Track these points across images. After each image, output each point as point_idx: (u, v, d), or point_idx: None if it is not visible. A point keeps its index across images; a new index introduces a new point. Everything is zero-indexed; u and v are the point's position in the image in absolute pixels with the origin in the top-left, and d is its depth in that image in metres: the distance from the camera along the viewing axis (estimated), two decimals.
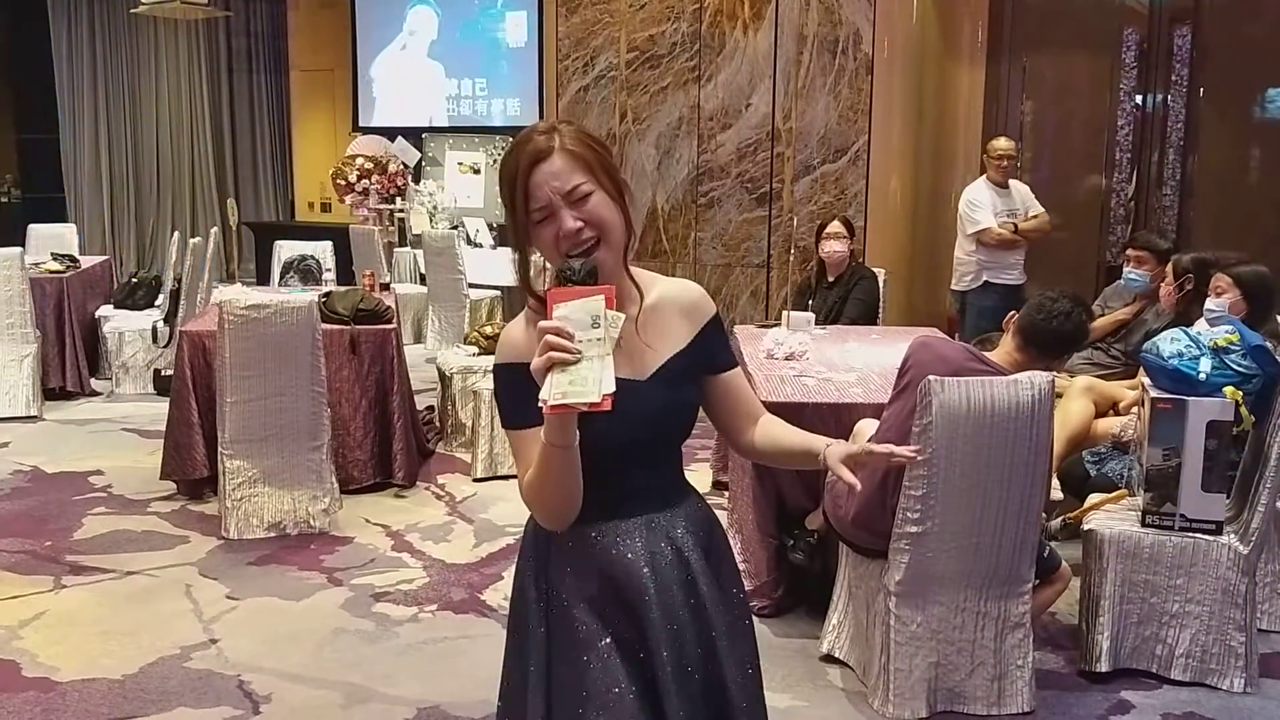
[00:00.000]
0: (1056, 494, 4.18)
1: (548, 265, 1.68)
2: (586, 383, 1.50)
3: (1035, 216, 6.35)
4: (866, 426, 3.54)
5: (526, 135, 1.68)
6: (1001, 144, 6.36)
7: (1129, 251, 5.22)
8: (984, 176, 6.40)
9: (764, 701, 1.82)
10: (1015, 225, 6.24)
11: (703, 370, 1.79)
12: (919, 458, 1.78)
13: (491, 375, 1.76)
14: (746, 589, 3.82)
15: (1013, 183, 6.43)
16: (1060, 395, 4.09)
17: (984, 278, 6.30)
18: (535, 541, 1.78)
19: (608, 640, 1.69)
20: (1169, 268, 4.75)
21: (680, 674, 1.69)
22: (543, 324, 1.51)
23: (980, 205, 6.27)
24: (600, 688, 1.67)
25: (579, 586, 1.72)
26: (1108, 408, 4.50)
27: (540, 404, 1.50)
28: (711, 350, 1.80)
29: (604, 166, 1.68)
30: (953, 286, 6.54)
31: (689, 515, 1.79)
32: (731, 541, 4.10)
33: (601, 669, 1.68)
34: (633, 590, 1.70)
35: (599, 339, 1.52)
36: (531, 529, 1.80)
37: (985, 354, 3.28)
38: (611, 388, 1.50)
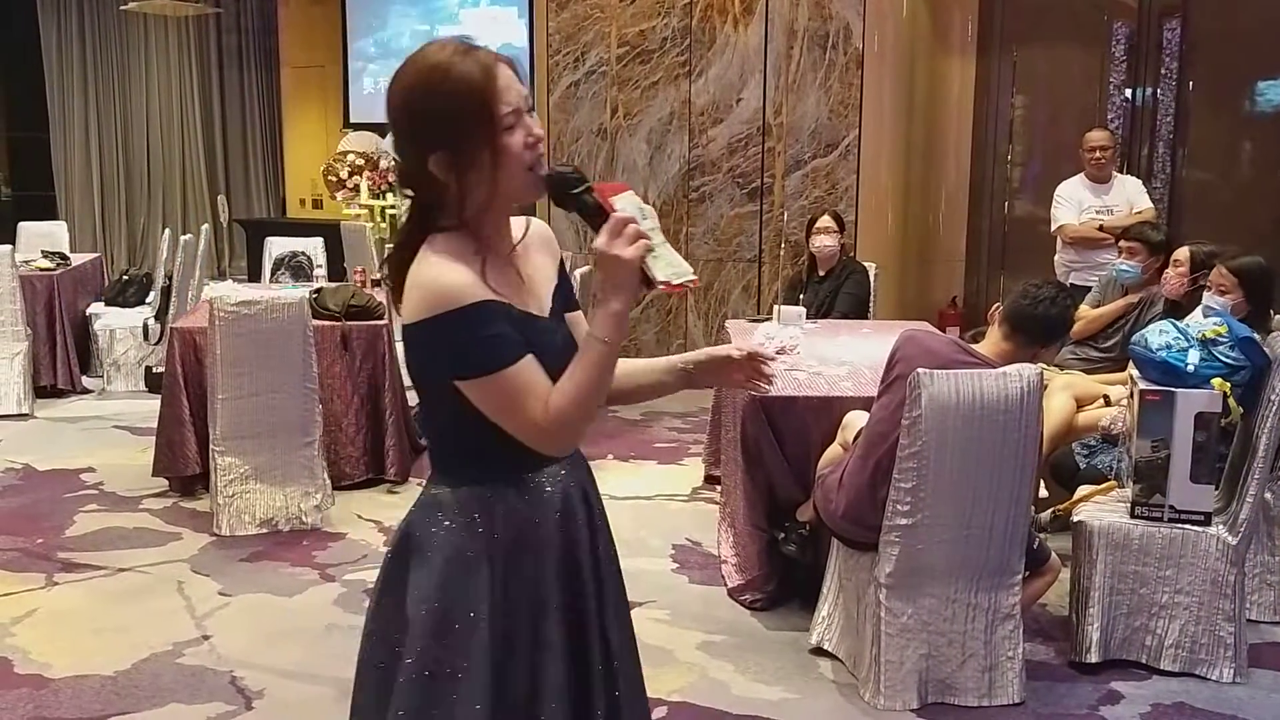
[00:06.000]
0: (1042, 492, 4.18)
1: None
2: (675, 265, 1.57)
3: (1138, 214, 5.70)
4: (855, 418, 3.55)
5: (455, 50, 1.59)
6: (1093, 136, 5.88)
7: (1121, 243, 5.07)
8: (1082, 172, 5.92)
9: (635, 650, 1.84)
10: (1101, 224, 5.69)
11: (564, 307, 1.77)
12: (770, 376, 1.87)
13: (447, 325, 1.56)
14: (739, 582, 3.87)
15: (1121, 178, 5.95)
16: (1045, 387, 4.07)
17: (1071, 279, 5.71)
18: (484, 520, 1.66)
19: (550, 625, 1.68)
20: (1183, 256, 4.65)
21: (592, 629, 1.71)
22: (618, 215, 1.55)
23: (1064, 201, 5.83)
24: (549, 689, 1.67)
25: (521, 556, 1.68)
26: (1090, 403, 4.48)
27: (661, 284, 1.55)
28: (568, 287, 1.80)
29: None
30: None
31: (583, 463, 1.78)
32: (724, 535, 4.15)
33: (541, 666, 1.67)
34: (558, 544, 1.70)
35: (652, 228, 1.59)
36: (475, 502, 1.67)
37: (972, 346, 3.30)
38: (690, 269, 1.59)
